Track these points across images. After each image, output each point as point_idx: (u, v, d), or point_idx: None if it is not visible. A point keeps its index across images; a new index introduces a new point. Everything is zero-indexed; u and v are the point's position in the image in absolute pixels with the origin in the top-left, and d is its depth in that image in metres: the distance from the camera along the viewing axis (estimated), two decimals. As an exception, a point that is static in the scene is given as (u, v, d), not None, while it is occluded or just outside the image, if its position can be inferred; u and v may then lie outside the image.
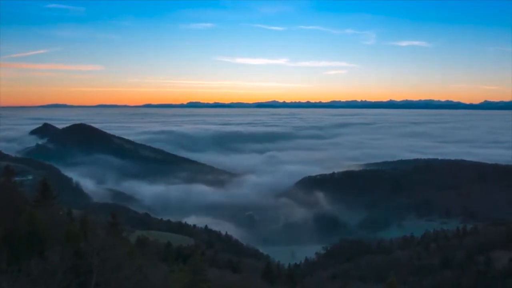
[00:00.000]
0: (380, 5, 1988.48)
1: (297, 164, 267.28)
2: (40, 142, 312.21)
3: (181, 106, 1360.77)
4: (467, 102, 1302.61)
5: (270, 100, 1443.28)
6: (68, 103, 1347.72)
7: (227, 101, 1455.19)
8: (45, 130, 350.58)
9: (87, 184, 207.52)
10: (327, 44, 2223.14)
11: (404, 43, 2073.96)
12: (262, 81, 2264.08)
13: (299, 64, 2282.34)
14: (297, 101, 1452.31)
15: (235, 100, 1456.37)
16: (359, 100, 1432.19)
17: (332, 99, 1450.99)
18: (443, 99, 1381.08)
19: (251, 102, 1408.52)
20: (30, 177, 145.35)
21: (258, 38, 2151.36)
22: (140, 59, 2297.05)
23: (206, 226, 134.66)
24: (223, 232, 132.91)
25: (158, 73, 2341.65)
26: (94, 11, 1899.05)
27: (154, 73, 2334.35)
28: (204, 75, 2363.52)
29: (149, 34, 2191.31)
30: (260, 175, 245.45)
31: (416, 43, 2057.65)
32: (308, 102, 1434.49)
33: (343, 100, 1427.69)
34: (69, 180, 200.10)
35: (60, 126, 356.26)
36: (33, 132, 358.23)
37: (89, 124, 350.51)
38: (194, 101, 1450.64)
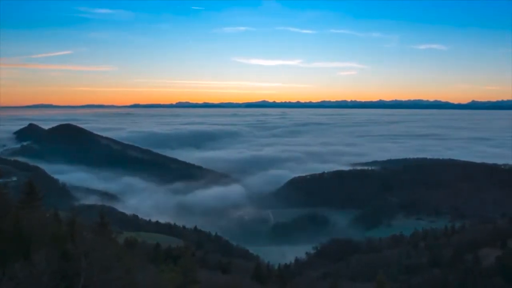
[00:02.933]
0: (405, 10, 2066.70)
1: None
2: (25, 143, 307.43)
3: (170, 106, 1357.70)
4: (455, 102, 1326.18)
5: (260, 100, 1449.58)
6: (54, 103, 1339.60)
7: (217, 101, 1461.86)
8: (30, 131, 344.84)
9: (74, 185, 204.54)
10: (347, 46, 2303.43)
11: (423, 46, 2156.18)
12: (266, 81, 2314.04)
13: (312, 65, 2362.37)
14: (287, 101, 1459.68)
15: (225, 100, 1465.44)
16: (348, 100, 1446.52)
17: (323, 99, 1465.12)
18: (431, 99, 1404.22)
19: (241, 102, 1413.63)
20: (14, 178, 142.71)
21: (283, 40, 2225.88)
22: (157, 60, 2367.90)
23: (195, 227, 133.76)
24: (213, 233, 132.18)
25: (167, 75, 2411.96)
26: (140, 15, 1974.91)
27: (163, 74, 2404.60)
28: (214, 76, 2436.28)
29: (181, 37, 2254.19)
30: (250, 175, 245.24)
31: (434, 46, 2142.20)
32: (298, 102, 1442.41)
33: (333, 100, 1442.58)
34: (55, 181, 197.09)
35: (46, 126, 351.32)
36: (17, 133, 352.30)
37: (75, 124, 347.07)
38: (183, 101, 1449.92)
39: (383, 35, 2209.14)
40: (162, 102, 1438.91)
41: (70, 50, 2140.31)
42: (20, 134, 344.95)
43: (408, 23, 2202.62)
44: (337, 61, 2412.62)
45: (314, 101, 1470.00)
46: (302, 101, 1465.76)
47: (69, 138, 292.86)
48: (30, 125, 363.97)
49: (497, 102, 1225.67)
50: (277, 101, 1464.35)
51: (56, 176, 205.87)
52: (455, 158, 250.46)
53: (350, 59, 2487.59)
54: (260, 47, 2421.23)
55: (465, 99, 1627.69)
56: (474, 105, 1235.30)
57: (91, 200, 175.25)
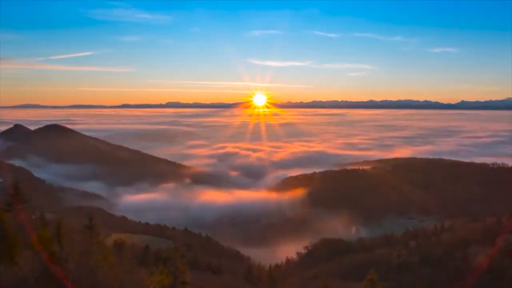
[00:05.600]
0: (426, 14, 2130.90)
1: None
2: (11, 143, 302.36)
3: (160, 106, 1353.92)
4: (445, 102, 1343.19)
5: (250, 100, 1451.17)
6: (41, 103, 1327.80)
7: (208, 101, 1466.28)
8: (16, 131, 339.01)
9: (61, 187, 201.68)
10: (364, 49, 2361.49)
11: (438, 49, 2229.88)
12: (269, 82, 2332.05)
13: (322, 66, 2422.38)
14: (279, 101, 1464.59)
15: (217, 101, 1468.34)
16: (339, 100, 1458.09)
17: (313, 99, 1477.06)
18: (421, 99, 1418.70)
19: (231, 102, 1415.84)
20: (0, 180, 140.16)
21: (305, 43, 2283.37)
22: (172, 62, 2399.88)
23: (185, 228, 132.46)
24: (203, 234, 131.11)
25: (175, 76, 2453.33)
26: (179, 17, 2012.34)
27: (170, 75, 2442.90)
28: (220, 77, 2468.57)
29: (206, 39, 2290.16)
30: (240, 175, 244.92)
31: (449, 49, 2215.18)
32: (289, 102, 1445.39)
33: (324, 100, 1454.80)
34: (42, 182, 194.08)
35: (35, 126, 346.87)
36: (2, 134, 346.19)
37: (62, 124, 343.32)
38: (173, 101, 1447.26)
39: (404, 39, 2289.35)
40: (152, 102, 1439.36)
41: (92, 51, 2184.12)
42: (6, 135, 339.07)
43: (426, 27, 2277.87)
44: (348, 63, 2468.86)
45: (305, 101, 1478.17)
46: (293, 101, 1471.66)
47: (56, 139, 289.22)
48: (16, 125, 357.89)
49: (486, 102, 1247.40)
50: (271, 101, 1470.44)
51: (42, 177, 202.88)
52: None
53: (362, 61, 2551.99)
54: (280, 49, 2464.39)
55: (455, 99, 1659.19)
56: (463, 105, 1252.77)
57: (79, 202, 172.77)
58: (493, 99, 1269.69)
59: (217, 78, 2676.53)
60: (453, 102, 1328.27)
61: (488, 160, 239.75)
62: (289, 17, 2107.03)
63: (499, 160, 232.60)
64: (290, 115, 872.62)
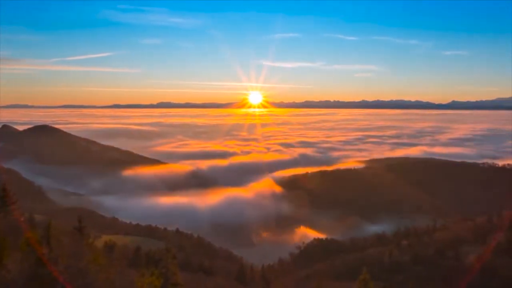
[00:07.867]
0: (440, 20, 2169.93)
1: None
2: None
3: (151, 106, 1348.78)
4: (436, 102, 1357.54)
5: (241, 100, 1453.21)
6: (30, 103, 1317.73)
7: (200, 101, 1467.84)
8: (4, 132, 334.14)
9: (51, 188, 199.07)
10: (377, 51, 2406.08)
11: (448, 52, 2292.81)
12: (269, 83, 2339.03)
13: (332, 67, 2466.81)
14: (272, 101, 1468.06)
15: (209, 101, 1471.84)
16: (332, 100, 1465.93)
17: (306, 100, 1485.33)
18: (413, 99, 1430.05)
19: (224, 102, 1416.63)
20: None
21: (323, 45, 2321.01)
22: (183, 64, 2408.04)
23: (177, 229, 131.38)
24: (195, 235, 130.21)
25: (180, 76, 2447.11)
26: (208, 23, 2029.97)
27: (177, 76, 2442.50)
28: (221, 77, 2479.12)
29: (227, 41, 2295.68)
30: (230, 175, 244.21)
31: (460, 52, 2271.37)
32: (281, 102, 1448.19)
33: (317, 100, 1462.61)
34: (31, 184, 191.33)
35: (23, 127, 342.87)
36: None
37: (51, 125, 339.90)
38: (165, 101, 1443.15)
39: (419, 42, 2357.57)
40: (143, 103, 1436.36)
41: (110, 52, 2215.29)
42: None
43: (441, 30, 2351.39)
44: (358, 64, 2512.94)
45: (297, 101, 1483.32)
46: (285, 101, 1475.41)
47: (45, 139, 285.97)
48: (4, 126, 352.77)
49: (477, 102, 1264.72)
50: (267, 101, 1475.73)
51: (32, 179, 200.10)
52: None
53: (371, 62, 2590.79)
54: (293, 50, 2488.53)
55: (445, 99, 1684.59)
56: (454, 105, 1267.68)
57: (69, 203, 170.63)
58: (484, 99, 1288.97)
59: (218, 79, 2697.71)
60: (444, 102, 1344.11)
61: (479, 159, 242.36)
62: (312, 21, 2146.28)
63: (490, 160, 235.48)
64: (283, 115, 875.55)
